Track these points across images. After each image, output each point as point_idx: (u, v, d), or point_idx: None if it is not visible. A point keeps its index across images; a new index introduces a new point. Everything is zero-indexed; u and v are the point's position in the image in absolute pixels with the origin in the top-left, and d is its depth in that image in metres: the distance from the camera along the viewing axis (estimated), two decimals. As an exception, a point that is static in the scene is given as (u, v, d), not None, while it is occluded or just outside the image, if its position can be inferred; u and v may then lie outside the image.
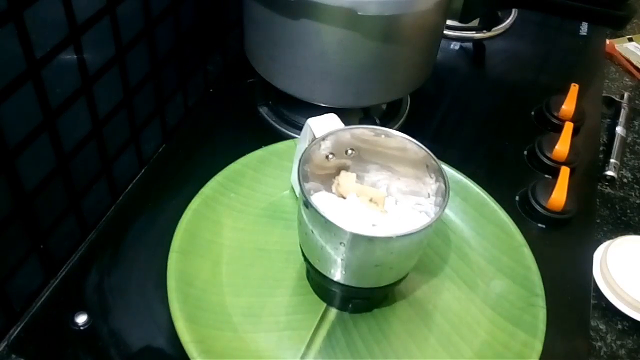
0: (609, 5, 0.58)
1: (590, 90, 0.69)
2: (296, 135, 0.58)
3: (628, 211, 0.58)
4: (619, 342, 0.47)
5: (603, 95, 0.71)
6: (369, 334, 0.43)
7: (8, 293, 0.43)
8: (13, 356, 0.42)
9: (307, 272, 0.46)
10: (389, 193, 0.44)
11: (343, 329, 0.44)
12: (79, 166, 0.46)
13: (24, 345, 0.43)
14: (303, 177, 0.39)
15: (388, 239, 0.37)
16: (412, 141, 0.41)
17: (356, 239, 0.36)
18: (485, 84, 0.72)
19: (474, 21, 0.76)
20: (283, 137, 0.58)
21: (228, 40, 0.67)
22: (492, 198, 0.51)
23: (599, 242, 0.54)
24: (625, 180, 0.61)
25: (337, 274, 0.40)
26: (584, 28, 0.81)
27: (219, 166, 0.51)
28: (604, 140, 0.65)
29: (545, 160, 0.59)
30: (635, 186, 0.61)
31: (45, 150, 0.42)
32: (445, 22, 0.58)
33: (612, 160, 0.61)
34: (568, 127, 0.61)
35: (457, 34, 0.77)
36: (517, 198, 0.56)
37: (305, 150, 0.40)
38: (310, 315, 0.44)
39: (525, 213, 0.55)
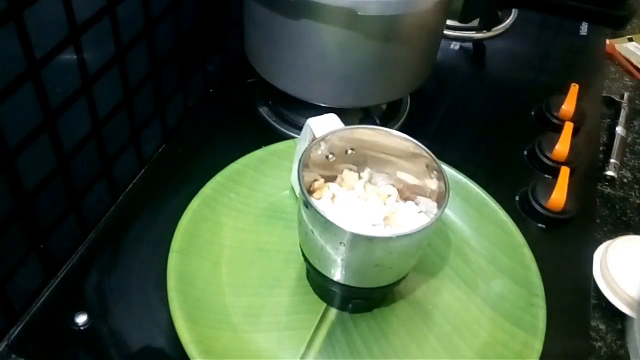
0: (609, 5, 0.58)
1: (590, 90, 0.69)
2: (296, 135, 0.58)
3: (628, 211, 0.58)
4: (619, 342, 0.47)
5: (603, 95, 0.71)
6: (369, 334, 0.43)
7: (8, 293, 0.43)
8: (13, 356, 0.42)
9: (307, 272, 0.46)
10: (389, 193, 0.44)
11: (343, 329, 0.44)
12: (79, 166, 0.46)
13: (24, 345, 0.43)
14: (303, 177, 0.39)
15: (388, 239, 0.37)
16: (412, 141, 0.41)
17: (356, 239, 0.36)
18: (485, 84, 0.72)
19: (474, 21, 0.76)
20: (283, 137, 0.58)
21: (228, 40, 0.67)
22: (492, 198, 0.51)
23: (599, 242, 0.54)
24: (625, 180, 0.61)
25: (337, 274, 0.40)
26: (584, 28, 0.81)
27: (219, 166, 0.51)
28: (604, 140, 0.65)
29: (545, 160, 0.59)
30: (635, 186, 0.61)
31: (45, 150, 0.42)
32: (445, 22, 0.58)
33: (612, 160, 0.61)
34: (568, 127, 0.61)
35: (457, 34, 0.77)
36: (517, 198, 0.56)
37: (305, 150, 0.40)
38: (310, 315, 0.44)
39: (525, 213, 0.55)
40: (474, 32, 0.77)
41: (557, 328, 0.44)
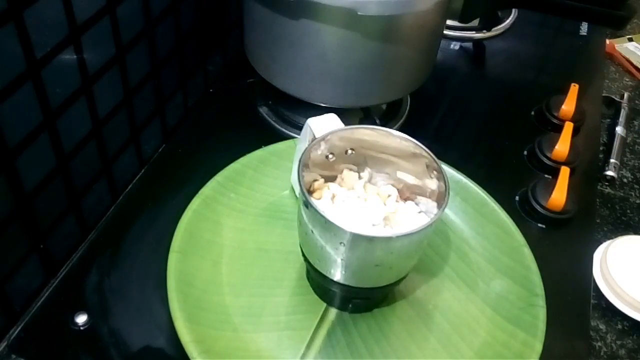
0: (609, 5, 0.58)
1: (590, 90, 0.69)
2: (296, 135, 0.58)
3: (628, 211, 0.58)
4: (619, 342, 0.47)
5: (603, 95, 0.71)
6: (369, 334, 0.43)
7: (8, 293, 0.43)
8: (13, 356, 0.42)
9: (307, 272, 0.46)
10: (389, 193, 0.44)
11: (343, 329, 0.44)
12: (79, 166, 0.46)
13: (24, 345, 0.43)
14: (303, 177, 0.39)
15: (388, 239, 0.37)
16: (412, 141, 0.41)
17: (356, 239, 0.36)
18: (485, 84, 0.72)
19: (474, 21, 0.76)
20: (283, 137, 0.58)
21: (228, 40, 0.67)
22: (492, 198, 0.51)
23: (599, 242, 0.54)
24: (625, 180, 0.61)
25: (337, 274, 0.40)
26: (584, 28, 0.81)
27: (219, 166, 0.51)
28: (604, 140, 0.65)
29: (545, 160, 0.59)
30: (635, 186, 0.61)
31: (45, 150, 0.42)
32: (445, 22, 0.58)
33: (612, 160, 0.61)
34: (568, 127, 0.61)
35: (457, 34, 0.77)
36: (517, 198, 0.56)
37: (305, 150, 0.40)
38: (310, 315, 0.44)
39: (525, 213, 0.55)
40: (474, 32, 0.77)
41: (557, 328, 0.44)
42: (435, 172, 0.41)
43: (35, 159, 0.41)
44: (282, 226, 0.49)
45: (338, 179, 0.44)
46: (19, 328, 0.44)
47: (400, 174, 0.44)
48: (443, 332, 0.44)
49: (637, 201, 0.59)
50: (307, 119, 0.44)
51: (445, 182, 0.39)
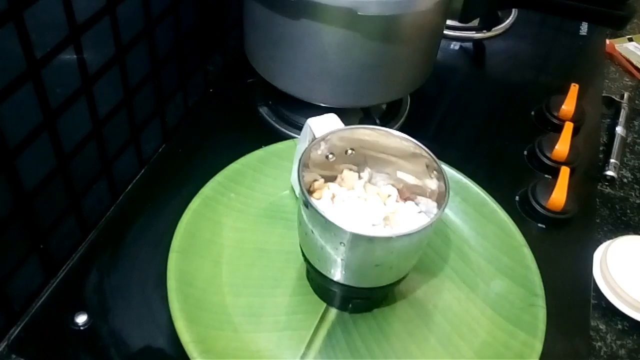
0: (609, 5, 0.58)
1: (590, 90, 0.69)
2: (296, 135, 0.58)
3: (628, 211, 0.58)
4: (619, 342, 0.47)
5: (603, 95, 0.71)
6: (369, 334, 0.43)
7: (8, 293, 0.43)
8: (13, 356, 0.42)
9: (307, 272, 0.46)
10: (389, 193, 0.44)
11: (343, 329, 0.44)
12: (79, 166, 0.46)
13: (24, 345, 0.43)
14: (303, 177, 0.39)
15: (388, 239, 0.37)
16: (412, 141, 0.41)
17: (356, 239, 0.36)
18: (485, 84, 0.72)
19: (474, 21, 0.76)
20: (283, 137, 0.58)
21: (228, 40, 0.67)
22: (492, 198, 0.51)
23: (599, 242, 0.54)
24: (625, 180, 0.61)
25: (337, 274, 0.40)
26: (584, 28, 0.81)
27: (219, 166, 0.51)
28: (604, 140, 0.65)
29: (545, 160, 0.59)
30: (635, 186, 0.61)
31: (45, 150, 0.42)
32: (445, 22, 0.58)
33: (612, 160, 0.61)
34: (568, 127, 0.61)
35: (457, 34, 0.77)
36: (517, 198, 0.56)
37: (305, 150, 0.40)
38: (310, 315, 0.44)
39: (525, 213, 0.55)
40: (474, 32, 0.77)
41: (557, 328, 0.44)
42: (435, 172, 0.41)
43: (35, 159, 0.41)
44: (282, 226, 0.49)
45: (338, 179, 0.44)
46: (19, 328, 0.44)
47: (400, 174, 0.44)
48: (443, 332, 0.44)
49: (637, 201, 0.59)
50: (307, 119, 0.44)
51: (445, 182, 0.39)
